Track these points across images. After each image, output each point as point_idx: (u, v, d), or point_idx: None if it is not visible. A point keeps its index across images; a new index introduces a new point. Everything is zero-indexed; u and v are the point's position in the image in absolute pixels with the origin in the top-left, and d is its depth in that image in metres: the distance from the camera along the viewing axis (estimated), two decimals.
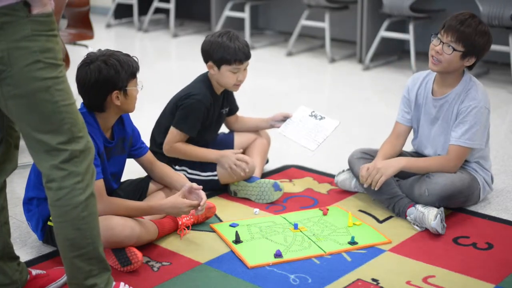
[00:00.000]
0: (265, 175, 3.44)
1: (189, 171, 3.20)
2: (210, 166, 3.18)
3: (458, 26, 2.86)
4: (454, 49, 2.85)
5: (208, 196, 2.89)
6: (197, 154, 3.16)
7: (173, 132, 3.14)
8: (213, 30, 6.95)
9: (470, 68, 2.95)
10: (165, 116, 3.23)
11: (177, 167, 3.20)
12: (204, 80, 3.22)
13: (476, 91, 2.91)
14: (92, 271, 2.09)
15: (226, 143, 3.36)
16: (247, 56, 3.15)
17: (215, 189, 3.21)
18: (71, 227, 2.02)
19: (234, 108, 3.41)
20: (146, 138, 2.96)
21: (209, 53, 3.13)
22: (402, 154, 3.16)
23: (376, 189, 2.94)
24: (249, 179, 3.17)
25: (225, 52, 3.09)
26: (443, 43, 2.87)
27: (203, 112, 3.15)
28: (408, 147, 3.25)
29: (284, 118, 3.39)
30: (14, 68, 1.88)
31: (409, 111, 3.12)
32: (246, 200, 3.15)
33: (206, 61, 3.17)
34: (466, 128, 2.89)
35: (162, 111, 3.27)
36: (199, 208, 2.66)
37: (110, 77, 2.53)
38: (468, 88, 2.92)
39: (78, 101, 2.63)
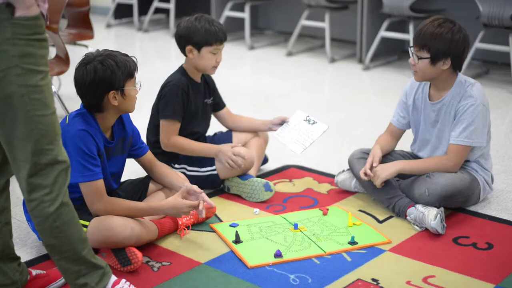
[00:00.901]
0: (265, 175, 3.45)
1: (189, 168, 3.20)
2: (208, 161, 3.19)
3: (418, 33, 2.90)
4: (420, 57, 2.89)
5: (209, 196, 2.89)
6: (195, 148, 3.18)
7: (162, 124, 3.16)
8: None
9: (455, 68, 2.93)
10: (153, 115, 3.26)
11: (176, 166, 3.20)
12: (178, 70, 3.25)
13: (472, 89, 2.91)
14: (80, 270, 2.11)
15: (224, 141, 3.37)
16: (226, 36, 3.22)
17: (215, 185, 3.22)
18: (48, 235, 2.03)
19: (220, 102, 3.42)
20: (145, 138, 2.96)
21: (189, 37, 3.16)
22: (401, 154, 3.17)
23: (378, 186, 2.98)
24: (243, 175, 3.18)
25: (206, 34, 3.14)
26: (413, 54, 2.91)
27: (181, 96, 3.16)
28: (407, 147, 3.25)
29: (282, 122, 3.40)
30: None
31: (406, 116, 3.13)
32: (246, 200, 3.15)
33: (183, 46, 3.19)
34: (464, 126, 2.89)
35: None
36: (200, 208, 2.66)
37: (106, 78, 2.53)
38: (464, 88, 2.92)
39: (78, 102, 2.64)
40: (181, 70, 3.24)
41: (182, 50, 3.21)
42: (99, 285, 2.14)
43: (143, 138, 2.90)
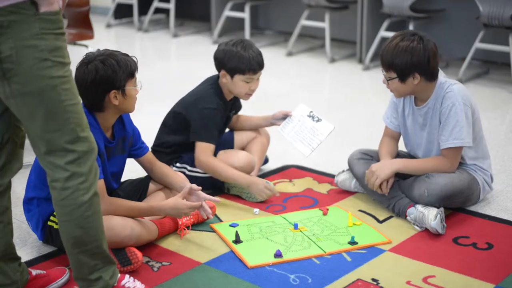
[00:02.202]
0: (265, 175, 3.45)
1: (189, 168, 3.20)
2: None
3: (381, 56, 2.92)
4: (389, 78, 2.91)
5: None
6: (229, 175, 3.10)
7: (200, 145, 3.11)
8: (213, 30, 6.97)
9: (428, 79, 2.90)
10: (170, 118, 3.23)
11: (178, 165, 3.20)
12: (214, 87, 3.19)
13: (452, 90, 2.90)
14: (96, 265, 2.13)
15: (226, 142, 3.36)
16: (261, 66, 3.15)
17: (215, 186, 3.22)
18: (75, 226, 2.05)
19: (238, 108, 3.41)
20: (146, 138, 2.96)
21: (223, 62, 3.12)
22: (399, 154, 3.17)
23: (374, 189, 2.98)
24: None
25: (240, 62, 3.09)
26: (384, 75, 2.94)
27: (219, 121, 3.16)
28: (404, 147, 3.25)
29: (285, 117, 3.40)
30: (22, 66, 1.89)
31: (397, 116, 3.13)
32: (246, 200, 3.15)
33: (218, 69, 3.17)
34: (450, 128, 2.89)
35: (169, 112, 3.27)
36: (204, 207, 2.67)
37: (107, 77, 2.53)
38: (444, 90, 2.92)
39: None
40: (216, 88, 3.18)
41: (218, 72, 3.18)
42: (112, 279, 2.18)
43: (144, 138, 2.90)
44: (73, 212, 2.03)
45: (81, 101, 2.15)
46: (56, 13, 1.92)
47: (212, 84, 3.21)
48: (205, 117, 3.12)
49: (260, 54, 3.16)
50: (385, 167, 2.97)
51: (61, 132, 1.97)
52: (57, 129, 1.97)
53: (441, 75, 2.96)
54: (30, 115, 1.96)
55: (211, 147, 3.12)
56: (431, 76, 2.90)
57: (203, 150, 3.11)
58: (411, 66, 2.84)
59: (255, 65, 3.11)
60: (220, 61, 3.14)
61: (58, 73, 1.93)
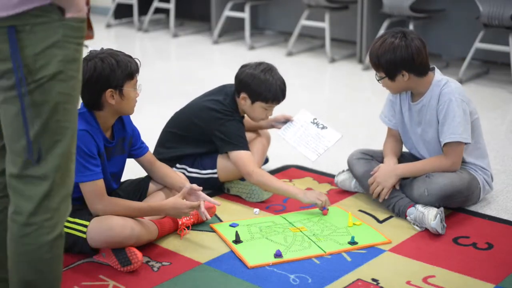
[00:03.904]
0: None
1: (189, 169, 3.19)
2: (209, 164, 3.18)
3: (369, 57, 2.94)
4: (380, 78, 2.93)
5: (209, 196, 2.89)
6: (278, 187, 3.02)
7: (240, 155, 3.05)
8: (213, 30, 6.96)
9: (419, 75, 2.90)
10: (186, 129, 3.18)
11: (178, 165, 3.20)
12: (232, 101, 3.15)
13: (448, 87, 2.90)
14: None
15: None
16: (284, 96, 3.14)
17: (215, 187, 3.22)
18: (30, 269, 1.80)
19: None
20: (146, 138, 2.96)
21: (249, 86, 3.08)
22: (402, 155, 3.17)
23: (381, 200, 3.00)
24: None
25: (266, 90, 3.07)
26: (375, 75, 2.97)
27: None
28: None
29: (286, 120, 3.39)
30: (34, 75, 1.69)
31: (394, 114, 3.13)
32: (246, 200, 3.15)
33: (240, 91, 3.12)
34: (448, 123, 2.88)
35: (177, 115, 3.26)
36: (202, 210, 2.67)
37: (104, 75, 2.53)
38: (440, 88, 2.92)
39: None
40: (234, 103, 3.14)
41: (237, 93, 3.14)
42: None
43: (144, 138, 2.90)
44: (32, 253, 1.77)
45: (77, 128, 1.90)
46: (83, 20, 1.73)
47: (231, 97, 3.17)
48: (233, 127, 3.09)
49: (284, 84, 3.14)
50: (388, 176, 2.97)
51: (46, 155, 1.74)
52: (40, 148, 1.73)
53: (438, 73, 2.97)
54: (15, 124, 1.72)
55: (250, 154, 3.09)
56: (421, 72, 2.91)
57: (247, 159, 3.05)
58: (396, 64, 2.86)
59: (280, 96, 3.11)
60: (245, 84, 3.09)
61: (68, 90, 1.73)
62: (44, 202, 1.76)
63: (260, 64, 3.15)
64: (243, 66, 3.17)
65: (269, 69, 3.12)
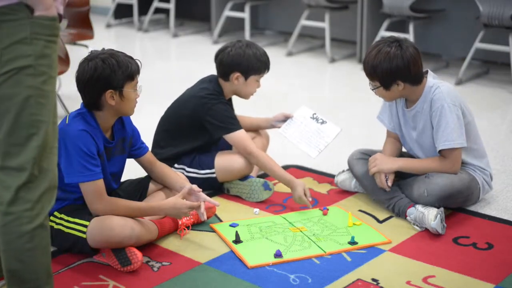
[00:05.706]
0: (265, 175, 3.44)
1: (187, 169, 3.20)
2: (208, 164, 3.18)
3: (364, 67, 2.94)
4: (374, 87, 2.93)
5: (209, 196, 2.89)
6: (274, 169, 3.09)
7: (236, 136, 3.11)
8: (213, 30, 6.96)
9: (413, 84, 2.90)
10: (167, 120, 3.25)
11: (176, 165, 3.20)
12: (216, 84, 3.21)
13: (440, 92, 2.89)
14: None
15: (225, 142, 3.36)
16: (269, 62, 3.26)
17: (213, 187, 3.22)
18: (13, 258, 1.86)
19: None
20: (146, 138, 2.96)
21: (240, 64, 3.14)
22: (402, 155, 3.17)
23: (379, 184, 2.99)
24: (243, 177, 3.18)
25: (259, 62, 3.16)
26: (370, 84, 2.97)
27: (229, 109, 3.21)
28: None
29: (285, 118, 3.39)
30: (2, 69, 1.77)
31: (391, 116, 3.13)
32: (246, 200, 3.15)
33: (230, 72, 3.16)
34: (442, 130, 2.88)
35: (165, 113, 3.28)
36: (201, 210, 2.67)
37: (104, 76, 2.53)
38: (431, 93, 2.92)
39: (78, 102, 2.64)
40: (217, 87, 3.19)
41: (225, 76, 3.18)
42: None
43: (144, 138, 2.90)
44: (12, 242, 1.84)
45: (58, 123, 1.97)
46: (52, 19, 1.81)
47: (214, 84, 3.21)
48: (220, 109, 3.14)
49: (265, 51, 3.25)
50: (389, 162, 2.99)
51: (21, 147, 1.81)
52: (18, 144, 1.81)
53: (430, 76, 2.96)
54: None
55: (245, 132, 3.15)
56: (415, 80, 2.91)
57: (245, 139, 3.12)
58: (392, 75, 2.86)
59: (268, 63, 3.22)
60: (236, 64, 3.14)
61: (38, 84, 1.80)
62: (21, 192, 1.82)
63: (238, 41, 3.23)
64: (221, 51, 3.22)
65: (250, 44, 3.22)
